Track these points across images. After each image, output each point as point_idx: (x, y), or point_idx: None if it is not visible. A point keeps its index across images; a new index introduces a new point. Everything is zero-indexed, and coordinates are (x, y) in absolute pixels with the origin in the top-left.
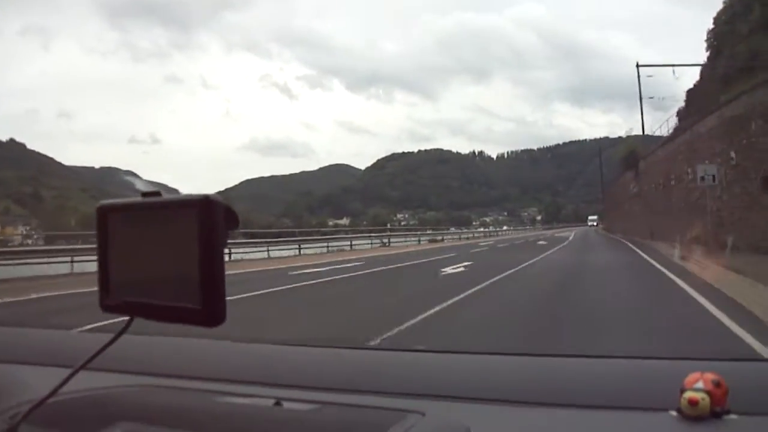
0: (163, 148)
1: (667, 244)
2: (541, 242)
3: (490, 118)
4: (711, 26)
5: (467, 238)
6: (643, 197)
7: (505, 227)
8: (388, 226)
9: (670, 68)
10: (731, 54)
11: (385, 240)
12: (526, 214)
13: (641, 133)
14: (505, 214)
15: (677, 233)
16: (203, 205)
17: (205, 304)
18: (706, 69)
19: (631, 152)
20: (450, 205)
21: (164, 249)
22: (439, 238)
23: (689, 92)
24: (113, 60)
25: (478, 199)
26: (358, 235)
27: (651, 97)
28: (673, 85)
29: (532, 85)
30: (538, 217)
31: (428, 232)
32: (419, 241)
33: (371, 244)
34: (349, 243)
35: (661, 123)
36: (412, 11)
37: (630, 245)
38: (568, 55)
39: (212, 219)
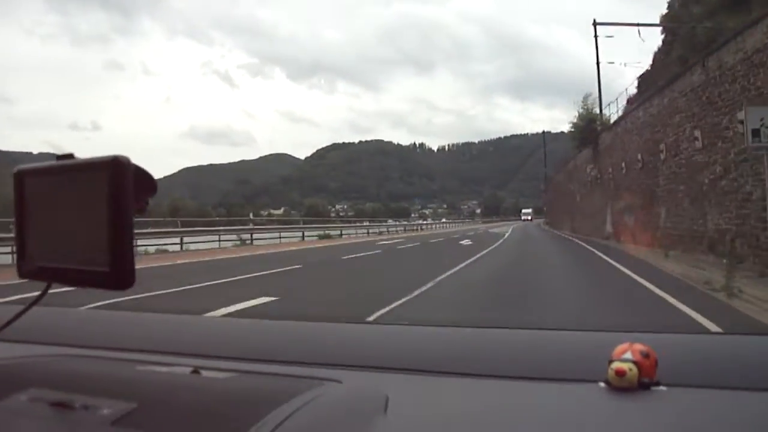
0: (104, 134)
1: (659, 254)
2: (465, 242)
3: (431, 111)
4: (664, 11)
5: (386, 232)
6: (604, 183)
7: (443, 220)
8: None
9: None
10: (688, 36)
11: (245, 236)
12: (466, 206)
13: (598, 110)
14: (445, 206)
15: (683, 234)
16: (112, 166)
17: (114, 267)
18: (660, 54)
19: (589, 122)
20: (390, 196)
21: (77, 212)
22: (337, 233)
23: (641, 78)
24: (54, 44)
25: (419, 191)
26: (267, 227)
27: (611, 62)
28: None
29: (475, 78)
30: (478, 210)
31: (365, 223)
32: (303, 237)
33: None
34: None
35: (614, 100)
36: (355, 1)
37: (595, 251)
38: (511, 49)
39: (121, 181)
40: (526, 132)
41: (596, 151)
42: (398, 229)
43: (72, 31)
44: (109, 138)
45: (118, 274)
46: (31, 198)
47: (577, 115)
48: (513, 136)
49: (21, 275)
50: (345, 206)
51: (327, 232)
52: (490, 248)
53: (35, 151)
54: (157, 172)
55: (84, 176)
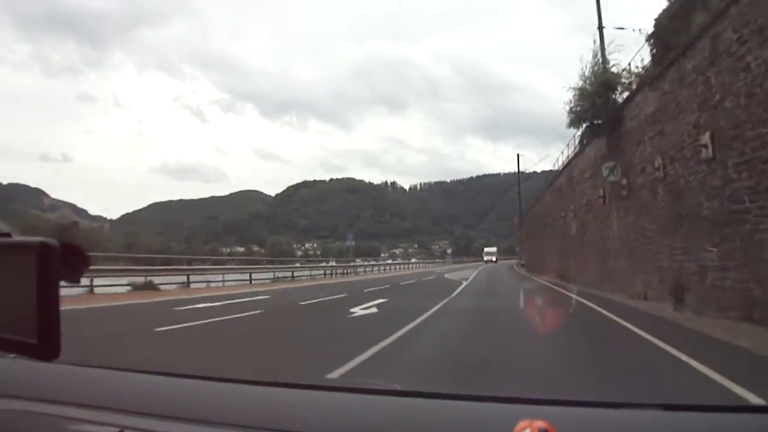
0: (74, 166)
1: None
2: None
3: (403, 150)
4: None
5: (347, 273)
6: (639, 191)
7: (413, 260)
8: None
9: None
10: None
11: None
12: (437, 246)
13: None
14: (416, 246)
15: None
16: (40, 248)
17: (41, 339)
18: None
19: (605, 89)
20: (360, 235)
21: (9, 285)
22: (290, 275)
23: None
24: (25, 73)
25: (389, 230)
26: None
27: (620, 28)
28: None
29: (446, 117)
30: (449, 251)
31: (329, 263)
32: (250, 280)
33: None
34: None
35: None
36: (327, 38)
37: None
38: (482, 89)
39: (48, 262)
40: (498, 171)
41: (617, 139)
42: (361, 269)
43: (43, 62)
44: (80, 170)
45: (45, 345)
46: None
47: (578, 85)
48: (485, 176)
49: None
50: (314, 245)
51: (277, 275)
52: (428, 313)
53: (4, 182)
54: (126, 206)
55: (16, 254)
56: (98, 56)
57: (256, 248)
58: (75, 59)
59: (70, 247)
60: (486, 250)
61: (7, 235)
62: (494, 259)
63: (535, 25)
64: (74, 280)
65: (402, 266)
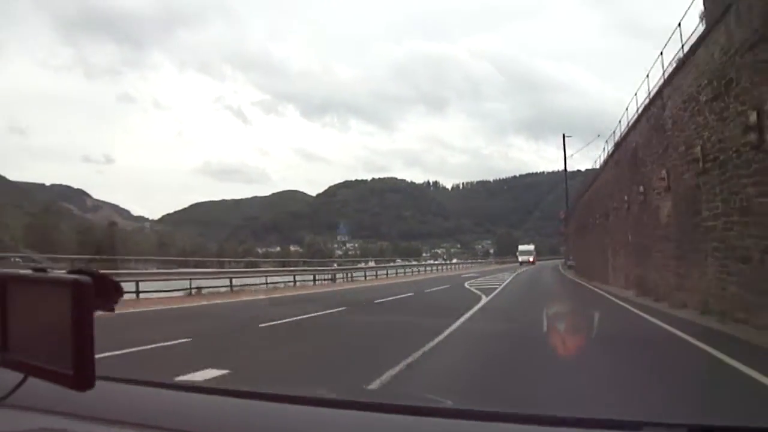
0: (117, 167)
1: None
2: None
3: (445, 150)
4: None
5: (375, 276)
6: None
7: (454, 260)
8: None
9: None
10: None
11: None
12: (480, 246)
13: None
14: (459, 246)
15: None
16: (74, 285)
17: (76, 369)
18: None
19: None
20: (402, 235)
21: (48, 318)
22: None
23: None
24: (67, 76)
25: (432, 230)
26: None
27: None
28: None
29: (488, 116)
30: (492, 250)
31: (364, 264)
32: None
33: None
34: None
35: None
36: (366, 38)
37: None
38: (524, 87)
39: (82, 296)
40: (541, 170)
41: None
42: (396, 271)
43: (84, 64)
44: (122, 171)
45: (80, 376)
46: (11, 299)
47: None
48: (528, 175)
49: (2, 364)
50: (355, 245)
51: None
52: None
53: (47, 183)
54: (168, 206)
55: (52, 288)
56: (138, 57)
57: (293, 248)
58: (115, 61)
59: (103, 278)
60: (521, 248)
61: (43, 270)
62: (531, 259)
63: (574, 22)
64: (108, 309)
65: (441, 267)
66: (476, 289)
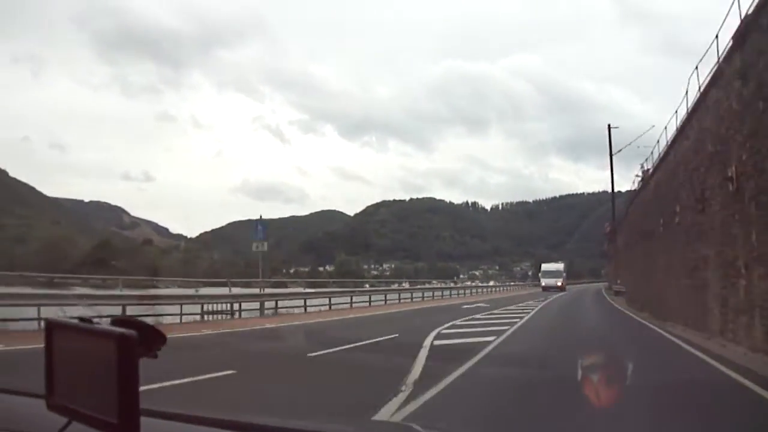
0: (156, 185)
1: None
2: None
3: (485, 170)
4: None
5: (398, 301)
6: None
7: (491, 282)
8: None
9: None
10: None
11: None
12: (518, 268)
13: None
14: (497, 268)
15: None
16: (120, 338)
17: (121, 419)
18: None
19: None
20: (439, 256)
21: (93, 366)
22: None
23: None
24: (106, 94)
25: (470, 252)
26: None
27: None
28: None
29: (528, 137)
30: (530, 272)
31: (398, 286)
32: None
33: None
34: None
35: None
36: (404, 57)
37: None
38: (564, 107)
39: (127, 349)
40: (581, 191)
41: None
42: (432, 294)
43: (123, 82)
44: (161, 189)
45: (124, 426)
46: (57, 346)
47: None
48: (568, 195)
49: (48, 408)
50: (392, 265)
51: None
52: None
53: (86, 199)
54: (207, 225)
55: (98, 340)
56: (176, 76)
57: (324, 268)
58: (153, 79)
59: (148, 328)
60: (544, 268)
61: (89, 321)
62: (559, 283)
63: (612, 42)
64: (151, 356)
65: (478, 290)
66: (481, 329)
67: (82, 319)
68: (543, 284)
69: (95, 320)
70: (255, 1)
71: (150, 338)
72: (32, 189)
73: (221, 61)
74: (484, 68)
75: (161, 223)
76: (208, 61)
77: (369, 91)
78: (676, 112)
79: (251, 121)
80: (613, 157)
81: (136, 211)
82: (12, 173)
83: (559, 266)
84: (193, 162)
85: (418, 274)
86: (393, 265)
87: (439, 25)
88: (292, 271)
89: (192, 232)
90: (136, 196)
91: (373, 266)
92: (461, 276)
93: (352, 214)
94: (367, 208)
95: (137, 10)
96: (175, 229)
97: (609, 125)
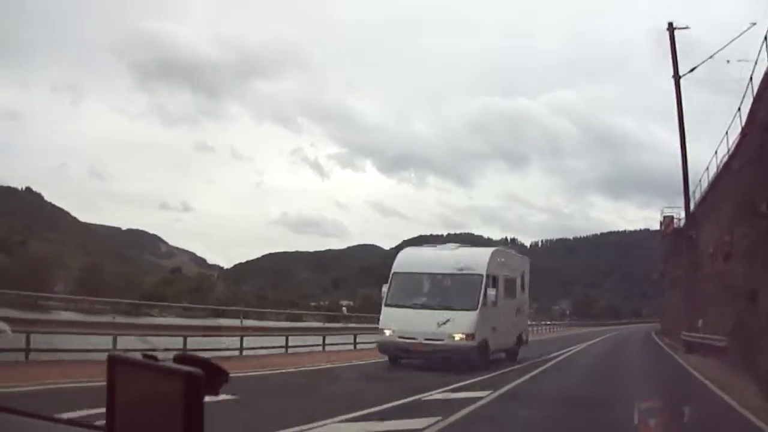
0: (194, 215)
1: None
2: None
3: (525, 209)
4: None
5: None
6: None
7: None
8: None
9: None
10: None
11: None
12: (557, 307)
13: None
14: (536, 306)
15: None
16: (186, 377)
17: None
18: None
19: None
20: None
21: (157, 404)
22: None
23: None
24: (144, 123)
25: None
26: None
27: None
28: None
29: (567, 174)
30: (568, 312)
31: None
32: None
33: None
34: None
35: None
36: (441, 91)
37: None
38: (603, 144)
39: (193, 388)
40: (623, 229)
41: None
42: None
43: (161, 111)
44: (200, 219)
45: None
46: (120, 381)
47: None
48: (609, 233)
49: None
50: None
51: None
52: None
53: (123, 227)
54: (244, 256)
55: (164, 377)
56: (213, 106)
57: (344, 302)
58: (191, 109)
59: (212, 367)
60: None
61: (154, 357)
62: (466, 331)
63: (651, 78)
64: (213, 393)
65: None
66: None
67: (146, 355)
68: (386, 332)
69: (158, 355)
70: (291, 33)
71: (213, 376)
72: (66, 213)
73: (259, 91)
74: (523, 104)
75: (199, 253)
76: (245, 92)
77: (407, 126)
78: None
79: (290, 154)
80: (653, 196)
81: (175, 240)
82: (47, 197)
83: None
84: (232, 193)
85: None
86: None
87: (477, 61)
88: (313, 304)
89: (229, 263)
90: (174, 225)
91: None
92: None
93: (387, 247)
94: (404, 242)
95: (175, 40)
96: (213, 259)
97: (671, 24)
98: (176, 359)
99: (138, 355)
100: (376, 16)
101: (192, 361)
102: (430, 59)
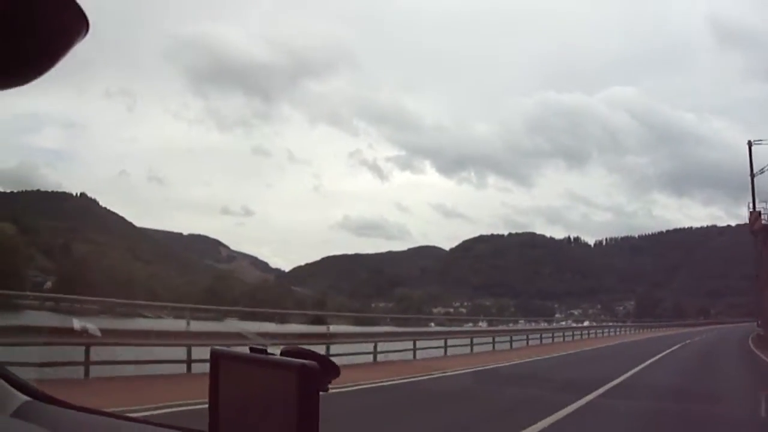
0: (255, 219)
1: None
2: None
3: (588, 207)
4: None
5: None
6: None
7: (586, 323)
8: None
9: None
10: None
11: None
12: (621, 307)
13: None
14: (599, 306)
15: None
16: (301, 369)
17: None
18: None
19: None
20: (538, 293)
21: (267, 400)
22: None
23: None
24: (201, 128)
25: (571, 289)
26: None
27: None
28: None
29: (629, 171)
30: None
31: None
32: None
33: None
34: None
35: None
36: (499, 89)
37: None
38: (665, 140)
39: (308, 380)
40: (688, 226)
41: None
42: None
43: (217, 116)
44: (261, 224)
45: None
46: (224, 378)
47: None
48: (674, 231)
49: None
50: (488, 302)
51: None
52: None
53: (185, 232)
54: (305, 259)
55: (273, 371)
56: (267, 109)
57: (383, 304)
58: (246, 113)
59: (325, 361)
60: None
61: (263, 351)
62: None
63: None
64: (323, 389)
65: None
66: None
67: (253, 349)
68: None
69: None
70: (343, 32)
71: (327, 371)
72: (121, 219)
73: (312, 94)
74: (582, 100)
75: (261, 258)
76: (299, 95)
77: (465, 125)
78: None
79: (348, 156)
80: (719, 192)
81: (236, 245)
82: (102, 203)
83: None
84: (292, 196)
85: (501, 312)
86: (488, 303)
87: (535, 58)
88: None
89: (290, 267)
90: (236, 230)
91: (457, 304)
92: (557, 315)
93: (447, 248)
94: (464, 242)
95: (226, 42)
96: (275, 263)
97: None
98: (284, 353)
99: (244, 350)
100: (430, 15)
101: (302, 354)
102: (486, 56)
